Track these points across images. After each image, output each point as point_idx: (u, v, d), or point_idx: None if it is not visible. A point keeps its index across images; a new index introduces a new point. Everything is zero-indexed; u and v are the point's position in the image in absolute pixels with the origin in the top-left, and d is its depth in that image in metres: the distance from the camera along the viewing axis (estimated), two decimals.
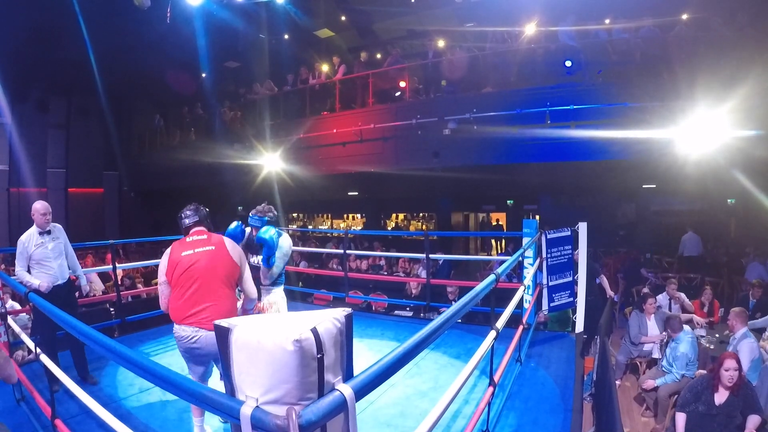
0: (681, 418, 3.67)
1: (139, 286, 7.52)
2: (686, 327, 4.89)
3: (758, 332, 5.10)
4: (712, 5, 7.25)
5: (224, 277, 2.43)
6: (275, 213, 3.19)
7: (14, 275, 3.44)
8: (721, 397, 3.57)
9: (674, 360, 4.65)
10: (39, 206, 3.48)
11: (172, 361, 4.04)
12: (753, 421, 3.43)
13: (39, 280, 3.34)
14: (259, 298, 3.04)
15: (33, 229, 3.44)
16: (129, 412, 3.01)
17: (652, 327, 5.50)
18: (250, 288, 2.57)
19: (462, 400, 3.10)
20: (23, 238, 3.41)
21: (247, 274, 2.55)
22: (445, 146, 8.08)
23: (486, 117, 7.60)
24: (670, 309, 6.06)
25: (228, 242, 2.53)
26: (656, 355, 5.37)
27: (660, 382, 4.62)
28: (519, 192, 13.52)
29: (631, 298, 7.83)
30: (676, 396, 4.44)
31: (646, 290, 6.53)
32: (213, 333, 1.99)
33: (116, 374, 3.62)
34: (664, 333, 5.26)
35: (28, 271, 3.38)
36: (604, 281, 6.19)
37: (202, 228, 2.59)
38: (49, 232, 3.49)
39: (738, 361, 3.59)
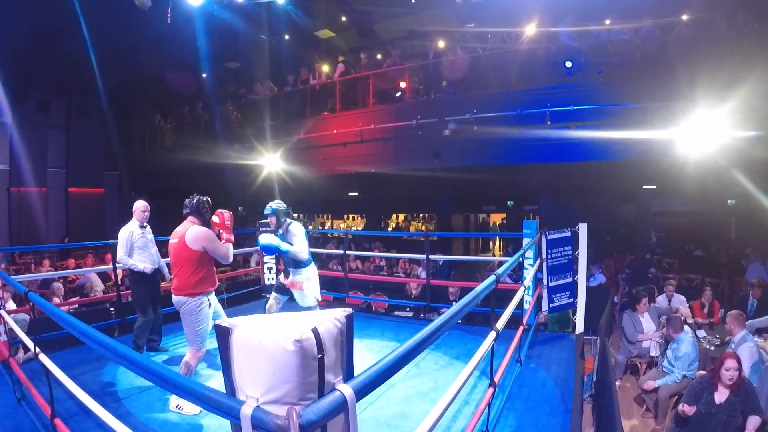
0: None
1: None
2: (686, 327, 4.89)
3: (757, 331, 5.10)
4: (713, 5, 7.25)
5: (181, 260, 3.12)
6: (282, 204, 3.98)
7: (118, 261, 4.18)
8: (721, 396, 3.57)
9: (676, 360, 4.64)
10: (141, 205, 4.22)
11: (172, 361, 4.05)
12: (753, 422, 3.43)
13: (143, 263, 4.07)
14: (288, 276, 3.97)
15: (134, 223, 4.14)
16: (129, 412, 3.01)
17: (647, 324, 5.53)
18: (220, 257, 3.19)
19: (462, 400, 3.10)
20: (126, 229, 4.09)
21: (216, 251, 3.15)
22: (446, 147, 8.08)
23: (486, 117, 7.60)
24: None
25: (189, 234, 3.10)
26: (654, 353, 5.39)
27: (661, 383, 4.61)
28: (519, 193, 13.52)
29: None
30: (676, 397, 4.44)
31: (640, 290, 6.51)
32: (176, 296, 3.14)
33: (116, 374, 3.62)
34: (660, 331, 5.26)
35: (129, 256, 4.06)
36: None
37: (190, 218, 3.21)
38: (145, 226, 4.19)
39: (738, 361, 3.59)
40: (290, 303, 4.08)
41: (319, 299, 4.06)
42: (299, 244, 3.85)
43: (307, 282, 3.95)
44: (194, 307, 3.11)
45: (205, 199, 3.28)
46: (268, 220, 3.98)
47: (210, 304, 3.24)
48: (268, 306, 4.11)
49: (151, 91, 13.73)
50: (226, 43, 11.38)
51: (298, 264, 3.93)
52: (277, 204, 3.96)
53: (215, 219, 3.26)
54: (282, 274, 4.14)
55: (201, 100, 12.68)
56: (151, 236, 4.22)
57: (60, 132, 13.61)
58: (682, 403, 3.69)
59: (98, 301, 6.05)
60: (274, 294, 4.11)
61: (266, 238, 3.76)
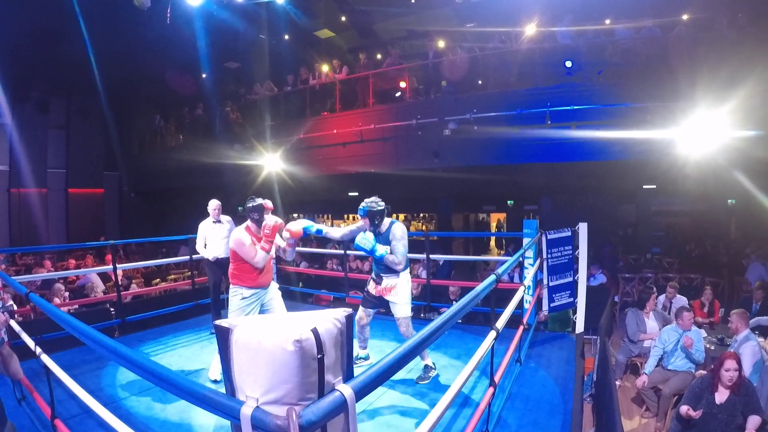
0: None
1: (134, 286, 7.50)
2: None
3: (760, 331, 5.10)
4: (713, 5, 7.24)
5: (231, 256, 3.47)
6: (378, 203, 3.42)
7: None
8: (721, 396, 3.57)
9: (697, 352, 4.63)
10: (213, 204, 4.86)
11: (172, 361, 4.05)
12: (753, 421, 3.43)
13: (211, 253, 4.75)
14: (380, 282, 3.49)
15: (209, 220, 4.86)
16: (129, 412, 3.01)
17: (651, 324, 5.51)
18: (248, 261, 3.36)
19: (462, 400, 3.10)
20: (202, 224, 4.86)
21: (244, 255, 3.34)
22: (446, 147, 8.08)
23: (486, 117, 7.60)
24: (669, 312, 6.04)
25: (232, 234, 3.47)
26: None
27: (697, 348, 4.61)
28: (519, 192, 13.52)
29: (628, 299, 7.85)
30: (676, 397, 4.44)
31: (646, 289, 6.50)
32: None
33: (116, 374, 3.62)
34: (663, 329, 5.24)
35: (204, 247, 4.82)
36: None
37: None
38: (220, 222, 4.84)
39: (738, 361, 3.59)
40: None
41: (410, 311, 3.51)
42: (400, 251, 3.35)
43: (403, 287, 3.46)
44: (232, 294, 3.42)
45: (255, 204, 3.44)
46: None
47: (245, 297, 3.38)
48: (357, 318, 3.61)
49: (150, 91, 13.72)
50: (226, 43, 11.38)
51: (395, 269, 3.42)
52: (371, 203, 3.39)
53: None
54: (371, 282, 3.59)
55: (201, 101, 12.67)
56: (224, 230, 4.77)
57: (60, 132, 13.60)
58: (683, 404, 3.69)
59: (99, 301, 6.06)
60: (361, 309, 3.62)
61: (361, 239, 3.30)
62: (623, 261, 10.12)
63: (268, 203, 3.56)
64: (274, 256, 3.79)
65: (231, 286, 3.43)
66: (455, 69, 8.51)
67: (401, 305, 3.46)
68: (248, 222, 3.48)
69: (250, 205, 3.45)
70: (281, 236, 3.62)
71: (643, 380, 4.69)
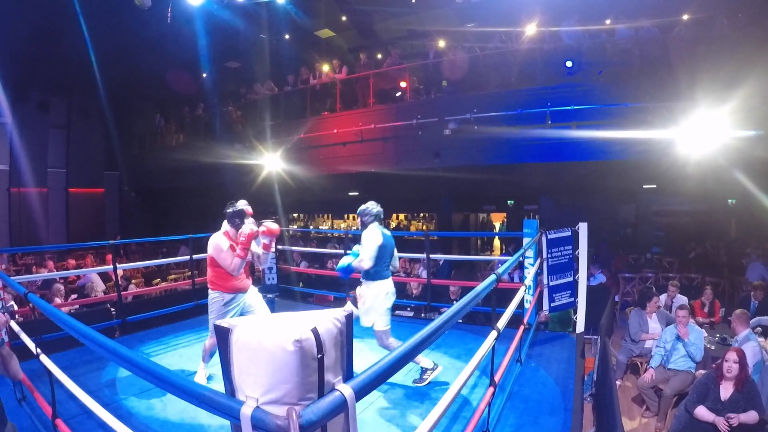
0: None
1: (133, 286, 7.50)
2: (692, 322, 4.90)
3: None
4: (713, 5, 7.24)
5: (209, 261, 3.47)
6: (372, 210, 3.46)
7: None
8: (726, 392, 3.59)
9: (693, 345, 4.63)
10: (241, 204, 4.79)
11: (173, 361, 4.05)
12: (750, 415, 3.46)
13: None
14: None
15: None
16: (129, 413, 3.01)
17: (653, 325, 5.50)
18: (224, 267, 3.36)
19: (462, 400, 3.10)
20: None
21: (220, 261, 3.34)
22: (446, 146, 8.08)
23: (486, 117, 7.60)
24: (670, 310, 6.05)
25: (210, 239, 3.42)
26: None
27: (685, 367, 4.60)
28: (519, 192, 13.51)
29: (631, 298, 7.86)
30: (677, 397, 4.44)
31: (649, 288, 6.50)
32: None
33: (116, 374, 3.62)
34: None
35: None
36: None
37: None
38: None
39: (741, 357, 3.60)
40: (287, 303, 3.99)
41: (382, 325, 3.43)
42: (361, 254, 3.35)
43: (369, 298, 3.40)
44: (211, 299, 3.41)
45: (236, 210, 3.43)
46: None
47: (226, 302, 3.37)
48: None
49: (151, 91, 13.74)
50: (227, 42, 11.38)
51: (366, 274, 3.41)
52: (363, 206, 3.46)
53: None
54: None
55: (201, 100, 12.67)
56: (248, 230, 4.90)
57: (60, 132, 13.60)
58: (691, 402, 3.69)
59: (99, 301, 6.06)
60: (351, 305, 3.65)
61: (342, 261, 3.42)
62: (623, 261, 10.13)
63: (249, 209, 3.56)
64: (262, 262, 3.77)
65: (210, 291, 3.41)
66: (455, 69, 8.50)
67: (364, 314, 3.41)
68: (227, 227, 3.45)
69: (231, 210, 3.43)
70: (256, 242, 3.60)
71: (651, 374, 4.69)
